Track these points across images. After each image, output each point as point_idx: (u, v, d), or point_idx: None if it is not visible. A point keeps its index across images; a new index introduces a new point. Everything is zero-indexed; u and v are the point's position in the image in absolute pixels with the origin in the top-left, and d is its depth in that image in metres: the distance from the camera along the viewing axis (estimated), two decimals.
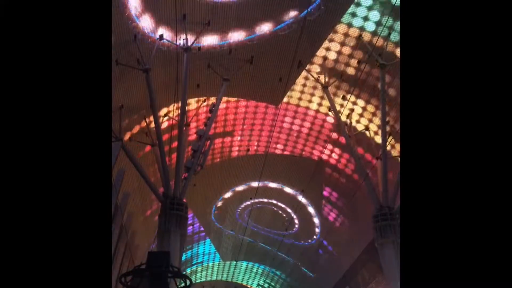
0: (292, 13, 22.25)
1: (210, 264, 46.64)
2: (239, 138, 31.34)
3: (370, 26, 23.05)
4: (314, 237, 38.85)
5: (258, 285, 50.08)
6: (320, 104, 28.46)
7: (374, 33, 22.93)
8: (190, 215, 27.38)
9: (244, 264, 47.65)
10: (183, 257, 31.25)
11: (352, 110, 26.64)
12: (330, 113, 27.83)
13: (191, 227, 36.63)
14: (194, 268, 44.89)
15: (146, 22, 20.78)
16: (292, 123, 30.33)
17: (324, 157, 31.32)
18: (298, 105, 28.86)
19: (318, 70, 25.62)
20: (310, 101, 28.47)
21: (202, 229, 40.17)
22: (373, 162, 25.64)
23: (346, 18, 23.03)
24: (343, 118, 26.28)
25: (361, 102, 26.58)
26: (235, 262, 46.47)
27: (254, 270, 48.64)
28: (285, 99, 28.07)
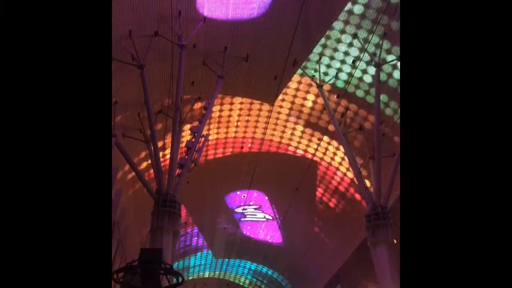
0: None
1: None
2: (233, 136, 31.28)
3: (366, 25, 23.05)
4: (305, 239, 38.84)
5: (251, 282, 50.08)
6: (314, 103, 28.46)
7: (369, 32, 22.93)
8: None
9: (237, 262, 47.66)
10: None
11: (347, 109, 26.66)
12: (324, 111, 27.84)
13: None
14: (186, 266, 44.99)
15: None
16: (286, 122, 30.31)
17: (318, 155, 31.34)
18: (292, 104, 28.85)
19: (313, 68, 25.64)
20: (304, 100, 28.47)
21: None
22: (367, 161, 25.67)
23: (342, 15, 23.05)
24: (338, 116, 26.29)
25: (356, 101, 26.59)
26: (227, 259, 46.49)
27: (247, 267, 48.65)
28: (280, 97, 28.05)
